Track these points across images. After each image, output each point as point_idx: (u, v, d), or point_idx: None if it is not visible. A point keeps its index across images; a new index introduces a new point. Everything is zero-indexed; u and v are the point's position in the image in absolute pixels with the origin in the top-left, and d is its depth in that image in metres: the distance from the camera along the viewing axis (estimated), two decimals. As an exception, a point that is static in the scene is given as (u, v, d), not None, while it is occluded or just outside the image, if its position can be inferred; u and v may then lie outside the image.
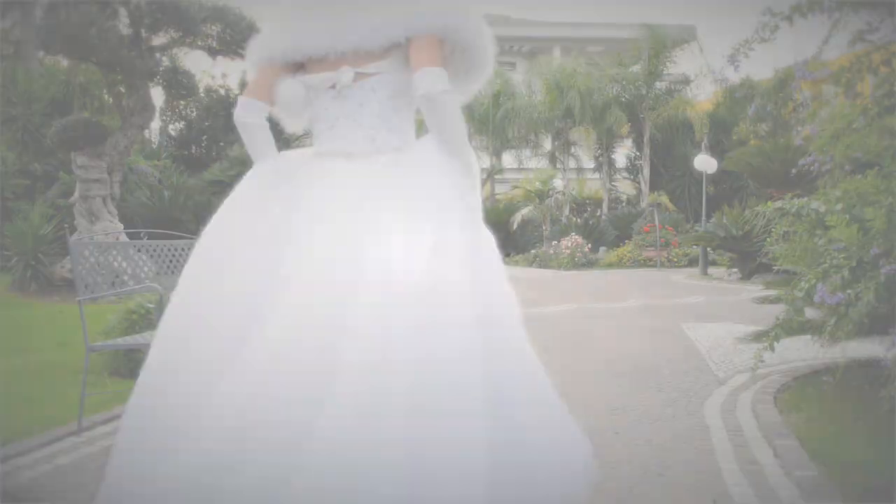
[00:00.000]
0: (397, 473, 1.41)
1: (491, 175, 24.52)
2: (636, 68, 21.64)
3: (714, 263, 16.17)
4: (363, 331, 1.54)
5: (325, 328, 1.56)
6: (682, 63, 21.50)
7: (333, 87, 1.84)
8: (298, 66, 1.91)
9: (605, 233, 19.11)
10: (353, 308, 1.57)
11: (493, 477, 1.48)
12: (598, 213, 22.31)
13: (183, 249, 4.46)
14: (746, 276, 12.64)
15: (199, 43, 9.93)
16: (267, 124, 1.97)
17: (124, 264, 4.20)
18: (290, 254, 1.71)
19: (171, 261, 4.33)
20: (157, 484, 1.54)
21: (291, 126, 2.08)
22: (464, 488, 1.43)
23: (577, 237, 16.52)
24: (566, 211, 22.78)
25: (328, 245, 1.67)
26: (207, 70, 22.49)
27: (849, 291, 3.08)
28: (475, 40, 1.85)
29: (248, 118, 1.94)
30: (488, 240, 1.86)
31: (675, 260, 16.89)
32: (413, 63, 1.74)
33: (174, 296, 1.90)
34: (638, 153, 23.34)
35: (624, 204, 25.23)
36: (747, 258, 12.53)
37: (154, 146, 17.62)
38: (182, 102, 18.30)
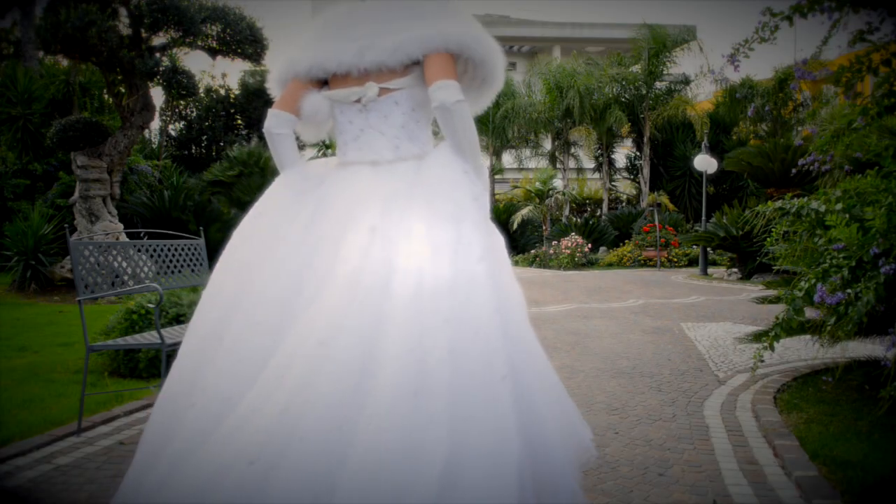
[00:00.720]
0: (442, 451, 1.53)
1: (491, 175, 24.54)
2: (636, 68, 21.65)
3: (714, 263, 16.17)
4: (401, 324, 1.65)
5: (365, 323, 1.68)
6: (682, 63, 21.52)
7: (359, 100, 1.98)
8: (322, 82, 2.06)
9: (605, 233, 19.12)
10: (388, 304, 1.69)
11: (519, 455, 1.59)
12: (598, 213, 22.33)
13: (183, 249, 4.46)
14: (746, 276, 12.65)
15: (199, 43, 9.93)
16: (293, 135, 2.10)
17: (124, 264, 4.20)
18: (323, 255, 1.84)
19: (171, 261, 4.33)
20: (187, 482, 1.58)
21: (312, 137, 2.20)
22: (500, 466, 1.55)
23: (577, 237, 16.53)
24: (566, 211, 22.81)
25: (361, 245, 1.79)
26: (207, 70, 22.60)
27: (848, 291, 3.08)
28: (486, 56, 1.98)
29: (278, 129, 2.05)
30: (498, 239, 1.97)
31: (675, 260, 16.90)
32: (428, 77, 1.89)
33: (205, 295, 1.99)
34: (638, 153, 23.35)
35: (624, 204, 25.24)
36: (747, 258, 12.53)
37: (154, 146, 17.62)
38: (182, 102, 18.32)
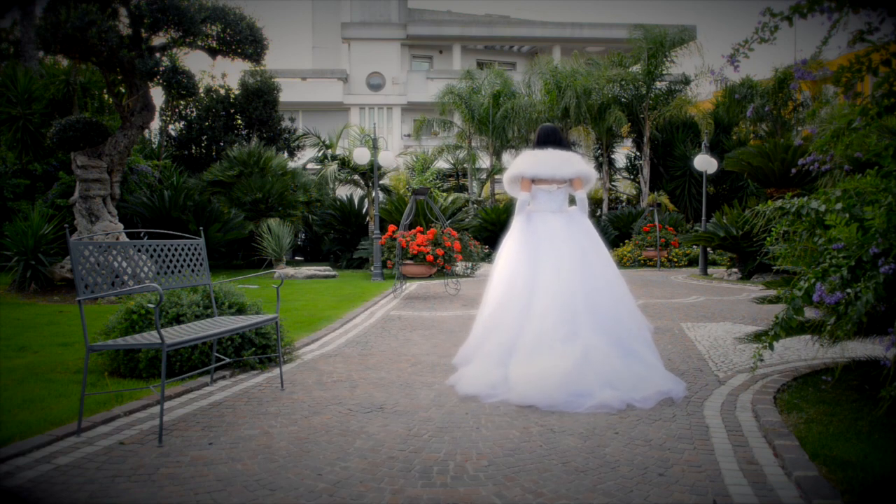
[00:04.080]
0: (640, 337, 4.62)
1: (490, 175, 24.53)
2: (636, 68, 21.65)
3: (714, 263, 16.17)
4: (597, 290, 4.62)
5: (573, 295, 4.53)
6: (682, 63, 21.52)
7: (549, 189, 4.92)
8: (532, 179, 4.95)
9: (605, 233, 19.12)
10: (589, 285, 4.61)
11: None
12: (598, 213, 22.32)
13: (183, 249, 4.45)
14: (746, 276, 12.65)
15: (199, 43, 9.92)
16: (527, 202, 5.00)
17: (124, 264, 4.20)
18: (546, 261, 4.69)
19: (171, 261, 4.32)
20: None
21: (522, 198, 5.01)
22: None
23: (577, 237, 16.48)
24: (566, 211, 22.76)
25: (568, 255, 4.69)
26: (207, 70, 22.57)
27: (848, 291, 3.08)
28: (590, 178, 5.04)
29: (526, 199, 4.96)
30: None
31: (675, 260, 16.89)
32: (574, 187, 4.94)
33: (489, 285, 4.94)
34: (638, 153, 23.34)
35: (624, 204, 25.22)
36: (747, 258, 12.53)
37: (154, 146, 17.61)
38: (182, 102, 18.30)
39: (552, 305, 4.47)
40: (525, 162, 4.96)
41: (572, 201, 4.99)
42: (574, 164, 4.93)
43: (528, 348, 4.33)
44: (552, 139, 5.08)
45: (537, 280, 4.62)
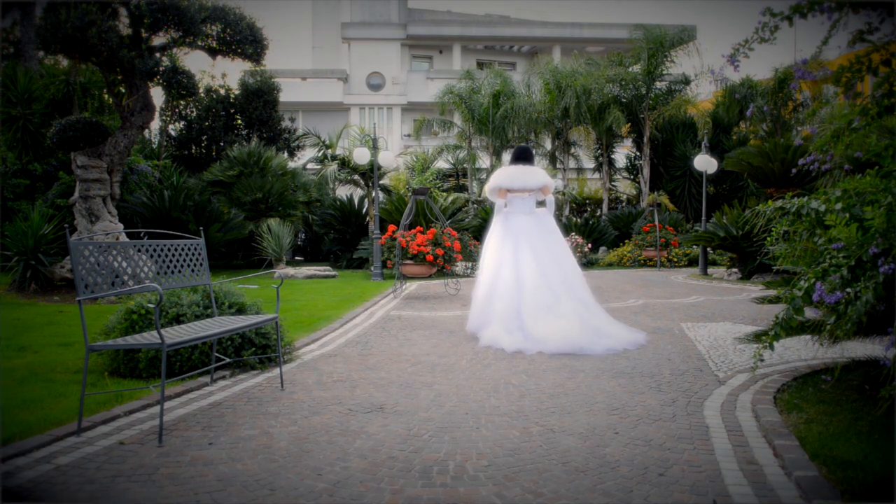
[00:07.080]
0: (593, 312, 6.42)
1: (490, 175, 24.51)
2: (636, 68, 21.64)
3: (714, 263, 16.16)
4: (563, 272, 6.43)
5: (549, 275, 6.30)
6: (682, 63, 21.53)
7: (522, 196, 6.71)
8: (508, 189, 6.76)
9: (605, 233, 19.11)
10: (557, 267, 6.40)
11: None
12: (598, 213, 22.32)
13: (183, 249, 4.45)
14: (746, 276, 12.65)
15: (199, 43, 9.92)
16: (504, 206, 6.83)
17: (124, 264, 4.20)
18: (524, 250, 6.42)
19: (171, 261, 4.32)
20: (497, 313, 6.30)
21: (499, 202, 6.91)
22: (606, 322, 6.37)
23: (577, 237, 16.52)
24: (566, 211, 22.79)
25: (538, 246, 6.48)
26: (207, 70, 22.55)
27: (848, 290, 3.08)
28: (552, 185, 6.85)
29: (501, 204, 6.78)
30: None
31: (675, 260, 16.89)
32: (544, 193, 6.81)
33: (482, 267, 6.75)
34: (638, 153, 23.33)
35: (624, 204, 25.23)
36: (747, 258, 12.53)
37: (154, 146, 17.60)
38: (182, 102, 18.29)
39: (537, 282, 6.20)
40: (502, 176, 6.80)
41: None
42: (539, 176, 6.76)
43: (532, 314, 6.01)
44: (523, 157, 6.90)
45: (520, 263, 6.35)
